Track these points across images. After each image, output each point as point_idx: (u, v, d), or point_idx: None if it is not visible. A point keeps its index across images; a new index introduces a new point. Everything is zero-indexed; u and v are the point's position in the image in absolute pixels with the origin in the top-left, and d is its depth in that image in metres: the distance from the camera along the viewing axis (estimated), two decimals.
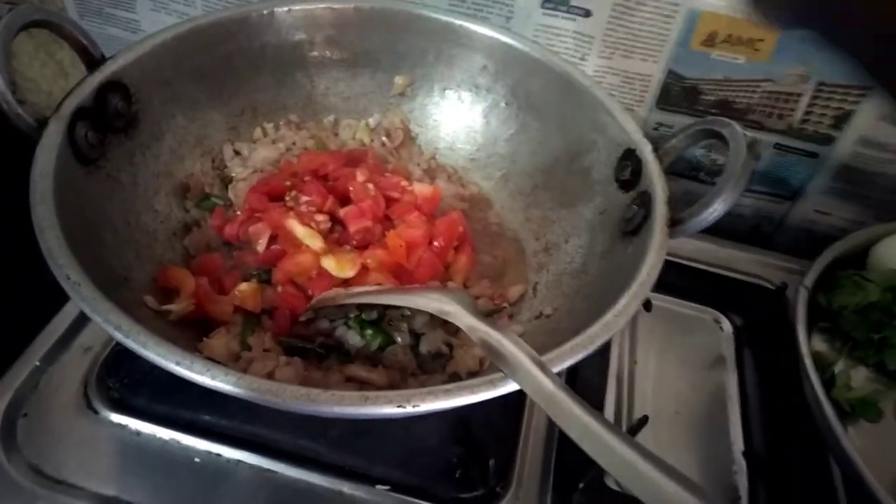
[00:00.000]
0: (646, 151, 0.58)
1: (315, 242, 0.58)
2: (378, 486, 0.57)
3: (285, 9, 0.69)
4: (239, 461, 0.58)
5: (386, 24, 0.72)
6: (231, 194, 0.66)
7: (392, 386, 0.54)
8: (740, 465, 0.64)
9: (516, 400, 0.62)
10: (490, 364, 0.56)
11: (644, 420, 0.61)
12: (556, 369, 0.42)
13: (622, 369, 0.70)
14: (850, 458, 0.55)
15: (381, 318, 0.58)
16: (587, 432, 0.37)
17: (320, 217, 0.60)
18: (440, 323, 0.57)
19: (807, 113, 0.76)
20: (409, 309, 0.56)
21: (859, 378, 0.65)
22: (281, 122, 0.74)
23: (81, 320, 0.66)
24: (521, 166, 0.72)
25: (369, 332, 0.56)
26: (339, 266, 0.57)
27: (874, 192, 0.81)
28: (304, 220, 0.59)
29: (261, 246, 0.60)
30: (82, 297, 0.42)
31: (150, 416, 0.59)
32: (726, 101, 0.77)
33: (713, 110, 0.78)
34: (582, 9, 0.74)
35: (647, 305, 0.72)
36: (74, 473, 0.56)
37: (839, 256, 0.72)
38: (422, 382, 0.55)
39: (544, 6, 0.75)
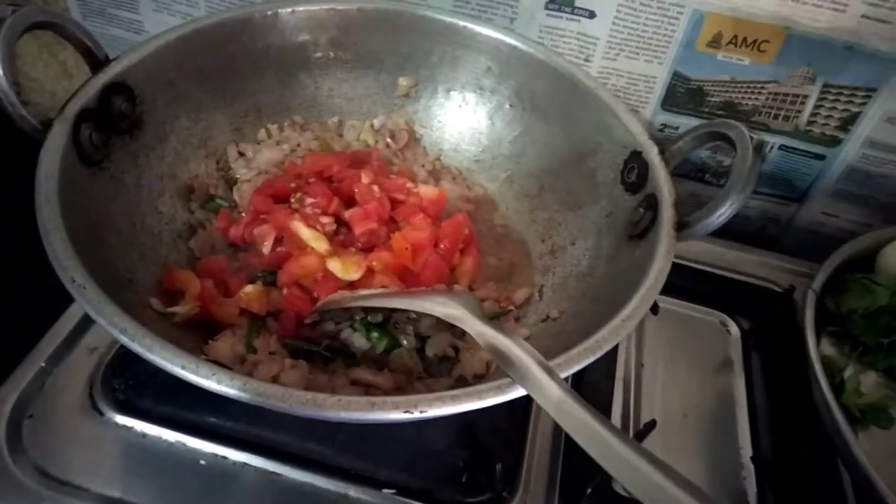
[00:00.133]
0: (652, 154, 0.58)
1: (320, 245, 0.58)
2: (384, 490, 0.57)
3: (289, 10, 0.69)
4: (245, 464, 0.57)
5: (390, 26, 0.72)
6: (236, 196, 0.66)
7: (398, 389, 0.54)
8: (749, 469, 0.63)
9: (523, 404, 0.62)
10: (496, 367, 0.56)
11: (652, 424, 0.61)
12: (563, 375, 0.42)
13: (629, 373, 0.69)
14: (861, 464, 0.54)
15: (387, 321, 0.58)
16: (595, 439, 0.37)
17: (325, 219, 0.60)
18: (446, 326, 0.57)
19: (813, 114, 0.76)
20: (415, 312, 0.56)
21: (869, 383, 0.64)
22: (285, 124, 0.74)
23: (87, 321, 0.65)
24: (526, 168, 0.72)
25: (375, 334, 0.56)
26: (344, 268, 0.57)
27: (881, 194, 0.81)
28: (310, 222, 0.59)
29: (266, 248, 0.59)
30: (87, 299, 0.42)
31: (155, 418, 0.59)
32: (732, 102, 0.77)
33: (719, 112, 0.78)
34: (586, 10, 0.74)
35: (654, 308, 0.72)
36: (80, 475, 0.56)
37: (847, 259, 0.71)
38: (428, 386, 0.55)
39: (548, 7, 0.74)
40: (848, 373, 0.65)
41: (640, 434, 0.61)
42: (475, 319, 0.46)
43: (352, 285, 0.57)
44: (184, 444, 0.58)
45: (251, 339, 0.54)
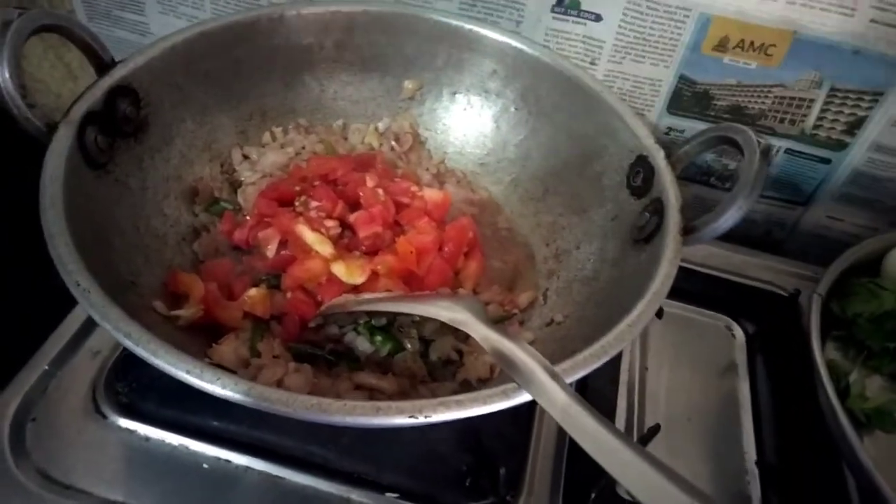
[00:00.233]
0: (658, 158, 0.58)
1: (325, 248, 0.58)
2: (387, 494, 0.56)
3: (294, 12, 0.69)
4: (247, 467, 0.57)
5: (395, 28, 0.72)
6: (240, 199, 0.66)
7: (402, 393, 0.54)
8: (753, 474, 0.63)
9: (526, 408, 0.61)
10: (501, 371, 0.56)
11: (656, 428, 0.60)
12: (569, 380, 0.41)
13: (633, 376, 0.69)
14: (866, 468, 0.54)
15: (391, 324, 0.58)
16: (601, 445, 0.37)
17: (330, 222, 0.60)
18: (450, 329, 0.57)
19: (819, 118, 0.75)
20: (420, 315, 0.56)
21: (874, 387, 0.64)
22: (290, 126, 0.74)
23: (90, 324, 0.65)
24: (531, 171, 0.72)
25: (379, 338, 0.56)
26: (348, 272, 0.57)
27: (887, 198, 0.80)
28: (314, 225, 0.59)
29: (270, 251, 0.59)
30: (92, 303, 0.42)
31: (158, 422, 0.59)
32: (738, 106, 0.77)
33: (725, 115, 0.78)
34: (593, 13, 0.73)
35: (659, 312, 0.71)
36: (83, 478, 0.56)
37: (853, 264, 0.71)
38: (432, 390, 0.55)
39: (554, 10, 0.74)
40: (853, 377, 0.64)
41: (644, 438, 0.60)
42: (479, 323, 0.46)
43: (356, 289, 0.58)
44: (186, 448, 0.58)
45: (255, 342, 0.54)
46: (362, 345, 0.56)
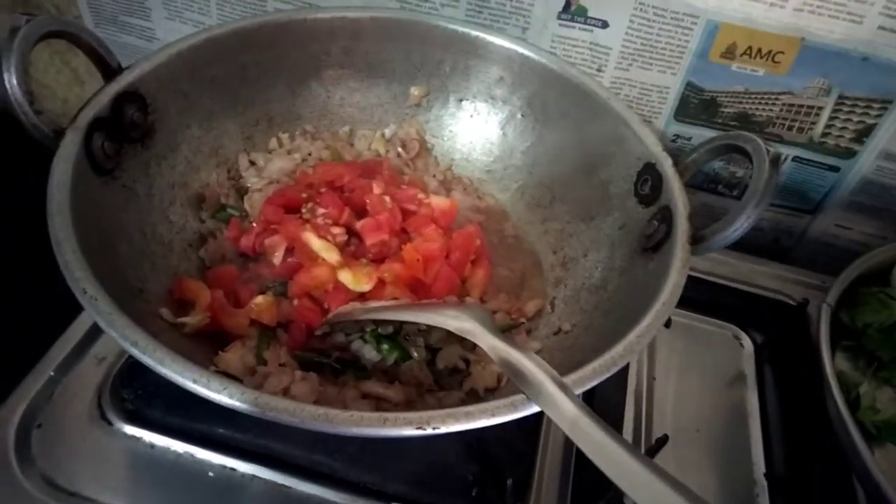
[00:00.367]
0: (666, 165, 0.58)
1: (331, 255, 0.58)
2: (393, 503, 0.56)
3: (301, 18, 0.69)
4: (253, 476, 0.57)
5: (402, 35, 0.72)
6: (247, 205, 0.66)
7: (408, 402, 0.53)
8: (762, 486, 0.62)
9: (534, 417, 0.61)
10: (508, 381, 0.56)
11: (664, 439, 0.60)
12: (577, 392, 0.41)
13: (641, 386, 0.68)
14: (877, 481, 0.54)
15: (398, 332, 0.57)
16: (611, 458, 0.36)
17: (337, 230, 0.60)
18: (457, 338, 0.56)
19: (828, 126, 0.75)
20: (426, 324, 0.56)
21: (884, 399, 0.63)
22: (296, 133, 0.74)
23: (96, 330, 0.65)
24: (538, 178, 0.72)
25: (385, 346, 0.56)
26: (355, 280, 0.57)
27: None
28: (321, 232, 0.59)
29: (277, 258, 0.59)
30: (99, 311, 0.42)
31: (164, 429, 0.58)
32: (746, 113, 0.76)
33: (732, 123, 0.77)
34: (599, 20, 0.73)
35: (667, 322, 0.71)
36: (88, 485, 0.56)
37: (862, 273, 0.70)
38: (439, 400, 0.54)
39: (561, 17, 0.74)
40: (863, 388, 0.64)
41: (652, 449, 0.60)
42: (487, 333, 0.46)
43: (363, 296, 0.57)
44: (192, 456, 0.58)
45: (261, 350, 0.54)
46: (369, 353, 0.56)
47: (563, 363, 0.49)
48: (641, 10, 0.71)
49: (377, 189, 0.63)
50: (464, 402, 0.54)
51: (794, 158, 0.79)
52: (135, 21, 0.88)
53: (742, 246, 0.80)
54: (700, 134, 0.79)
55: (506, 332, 0.60)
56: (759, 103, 0.75)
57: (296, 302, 0.57)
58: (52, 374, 0.62)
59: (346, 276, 0.57)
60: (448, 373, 0.57)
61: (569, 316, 0.61)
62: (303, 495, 0.56)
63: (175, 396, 0.58)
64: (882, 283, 0.71)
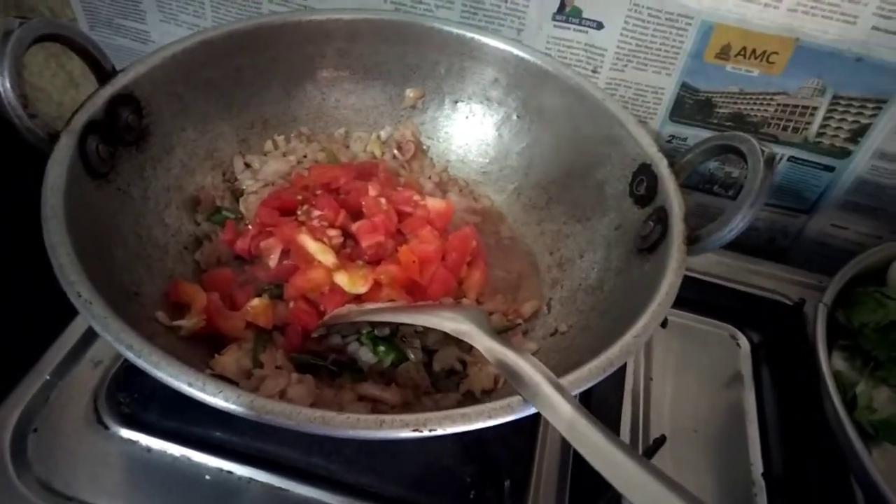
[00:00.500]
0: (661, 166, 0.58)
1: (327, 258, 0.58)
2: None
3: (296, 20, 0.69)
4: (250, 479, 0.57)
5: (397, 37, 0.72)
6: (242, 208, 0.66)
7: (405, 404, 0.53)
8: (760, 486, 0.62)
9: (531, 418, 0.61)
10: (505, 382, 0.56)
11: (662, 440, 0.60)
12: (574, 393, 0.41)
13: (638, 386, 0.68)
14: (875, 481, 0.54)
15: (394, 334, 0.57)
16: (607, 459, 0.36)
17: (332, 232, 0.60)
18: (454, 339, 0.56)
19: (823, 126, 0.75)
20: (423, 326, 0.56)
21: (881, 399, 0.63)
22: (292, 135, 0.73)
23: (92, 334, 0.65)
24: (533, 179, 0.72)
25: (382, 348, 0.56)
26: (351, 282, 0.57)
27: (891, 205, 0.80)
28: (316, 234, 0.59)
29: (272, 261, 0.59)
30: (93, 315, 0.42)
31: (160, 432, 0.58)
32: (741, 113, 0.76)
33: (727, 123, 0.77)
34: (594, 21, 0.73)
35: (663, 322, 0.70)
36: (84, 490, 0.55)
37: (858, 272, 0.70)
38: (436, 401, 0.54)
39: (556, 18, 0.74)
40: (860, 388, 0.64)
41: (649, 450, 0.60)
42: (483, 335, 0.46)
43: (359, 299, 0.57)
44: (189, 459, 0.57)
45: (257, 353, 0.54)
46: (365, 355, 0.56)
47: (560, 364, 0.48)
48: (636, 11, 0.71)
49: (373, 191, 0.63)
50: (461, 404, 0.54)
51: (790, 158, 0.79)
52: (130, 24, 0.88)
53: (738, 246, 0.81)
54: (695, 134, 0.79)
55: (502, 333, 0.60)
56: (754, 104, 0.75)
57: (292, 304, 0.57)
58: (48, 377, 0.62)
59: (341, 279, 0.57)
60: (445, 374, 0.57)
61: (565, 317, 0.61)
62: (300, 498, 0.56)
63: (171, 400, 0.57)
64: (878, 282, 0.71)
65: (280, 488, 0.57)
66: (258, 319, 0.56)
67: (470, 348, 0.57)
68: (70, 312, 0.64)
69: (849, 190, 0.80)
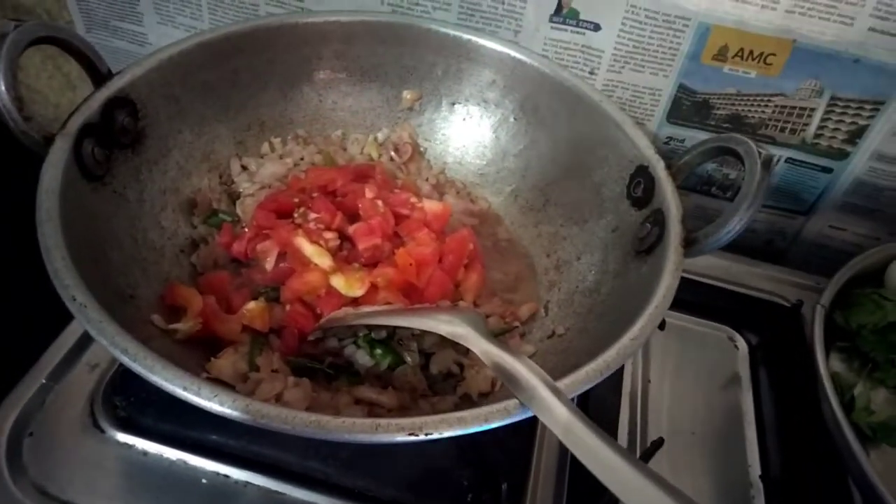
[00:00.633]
0: (658, 168, 0.58)
1: (324, 260, 0.57)
2: None
3: (293, 23, 0.69)
4: (247, 483, 0.57)
5: (394, 39, 0.72)
6: (239, 210, 0.66)
7: (402, 408, 0.53)
8: (758, 488, 0.62)
9: (528, 421, 0.61)
10: (502, 385, 0.55)
11: (660, 442, 0.60)
12: (571, 395, 0.41)
13: (636, 389, 0.68)
14: (873, 483, 0.54)
15: (391, 337, 0.57)
16: (604, 462, 0.36)
17: (329, 234, 0.60)
18: (451, 342, 0.56)
19: (820, 127, 0.75)
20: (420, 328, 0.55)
21: (879, 400, 0.63)
22: (289, 137, 0.73)
23: (88, 337, 0.65)
24: (531, 182, 0.72)
25: (379, 351, 0.56)
26: (347, 284, 0.57)
27: (889, 207, 0.80)
28: (313, 237, 0.59)
29: (269, 264, 0.59)
30: (88, 318, 0.41)
31: (156, 436, 0.58)
32: (738, 115, 0.76)
33: (725, 125, 0.77)
34: (591, 23, 0.73)
35: (661, 324, 0.71)
36: (80, 494, 0.55)
37: (856, 274, 0.70)
38: (432, 404, 0.54)
39: (553, 20, 0.74)
40: (858, 390, 0.64)
41: (647, 452, 0.60)
42: (480, 338, 0.46)
43: (355, 301, 0.57)
44: (185, 463, 0.57)
45: (254, 356, 0.54)
46: (362, 358, 0.55)
47: (558, 367, 0.48)
48: (633, 12, 0.71)
49: (370, 193, 0.63)
50: (458, 407, 0.54)
51: (787, 160, 0.79)
52: (127, 26, 0.88)
53: (736, 247, 0.81)
54: (693, 136, 0.79)
55: (499, 335, 0.60)
56: (752, 105, 0.75)
57: (288, 307, 0.57)
58: (44, 381, 0.62)
59: (338, 281, 0.57)
60: (442, 377, 0.57)
61: (562, 319, 0.61)
62: (297, 501, 0.56)
63: (167, 403, 0.57)
64: (876, 283, 0.71)
65: (277, 492, 0.56)
66: (254, 322, 0.56)
67: (467, 351, 0.57)
68: (67, 315, 0.64)
69: (847, 191, 0.80)
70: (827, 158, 0.78)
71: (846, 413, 0.59)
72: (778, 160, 0.79)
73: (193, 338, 0.54)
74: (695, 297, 0.76)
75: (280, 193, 0.65)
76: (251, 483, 0.57)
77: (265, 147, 0.72)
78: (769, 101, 0.74)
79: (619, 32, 0.73)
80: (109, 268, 0.52)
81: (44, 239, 0.44)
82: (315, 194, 0.64)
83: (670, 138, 0.80)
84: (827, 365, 0.62)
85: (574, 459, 0.60)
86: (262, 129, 0.72)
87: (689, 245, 0.52)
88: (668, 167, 0.57)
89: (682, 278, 0.50)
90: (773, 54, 0.71)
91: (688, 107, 0.77)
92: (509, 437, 0.59)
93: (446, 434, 0.38)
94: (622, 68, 0.76)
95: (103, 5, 0.87)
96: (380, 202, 0.62)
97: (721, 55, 0.72)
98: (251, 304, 0.57)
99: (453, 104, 0.75)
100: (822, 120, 0.74)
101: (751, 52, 0.71)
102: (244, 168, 0.70)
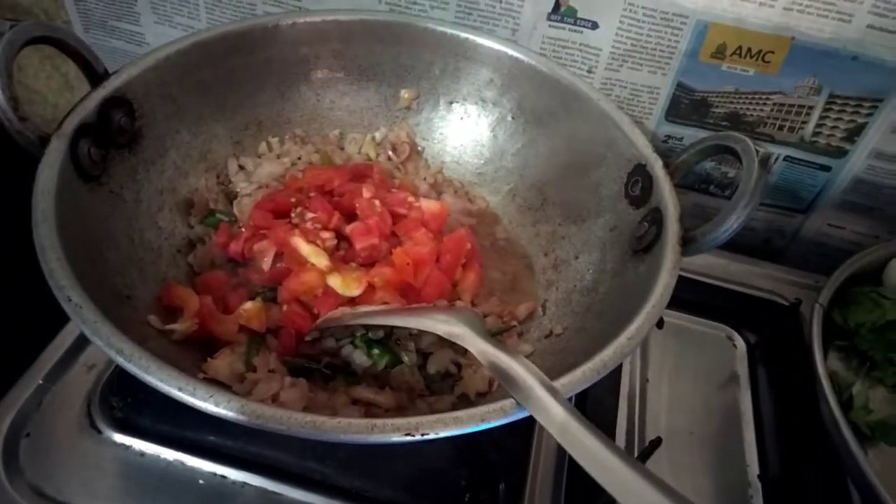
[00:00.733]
0: (656, 167, 0.57)
1: (320, 260, 0.57)
2: None
3: (290, 22, 0.69)
4: (244, 483, 0.57)
5: (392, 38, 0.71)
6: (236, 210, 0.66)
7: (399, 408, 0.53)
8: (756, 488, 0.62)
9: (526, 421, 0.61)
10: (500, 385, 0.55)
11: (658, 442, 0.60)
12: (567, 395, 0.41)
13: (634, 388, 0.68)
14: (871, 482, 0.54)
15: (388, 337, 0.57)
16: (600, 463, 0.36)
17: (326, 234, 0.59)
18: (448, 342, 0.56)
19: (819, 125, 0.75)
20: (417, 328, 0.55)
21: (877, 399, 0.63)
22: (286, 137, 0.73)
23: (85, 338, 0.64)
24: (528, 181, 0.72)
25: (376, 351, 0.56)
26: (344, 284, 0.56)
27: (888, 205, 0.80)
28: (310, 237, 0.59)
29: (266, 264, 0.59)
30: (84, 319, 0.41)
31: (154, 437, 0.58)
32: (736, 113, 0.76)
33: (723, 123, 0.77)
34: (589, 21, 0.73)
35: (659, 323, 0.71)
36: (77, 495, 0.55)
37: (855, 272, 0.70)
38: (430, 404, 0.54)
39: (550, 19, 0.74)
40: (856, 389, 0.64)
41: (645, 452, 0.60)
42: (477, 338, 0.46)
43: (352, 301, 0.57)
44: (182, 463, 0.57)
45: (250, 356, 0.54)
46: (359, 358, 0.55)
47: (555, 366, 0.48)
48: (631, 10, 0.71)
49: (367, 193, 0.63)
50: (455, 407, 0.54)
51: (786, 158, 0.79)
52: (124, 26, 0.88)
53: (734, 246, 0.81)
54: (691, 134, 0.79)
55: (497, 335, 0.60)
56: (750, 103, 0.75)
57: (285, 307, 0.57)
58: (41, 381, 0.61)
59: (335, 281, 0.56)
60: (439, 377, 0.57)
61: (560, 318, 0.61)
62: (294, 502, 0.56)
63: (164, 404, 0.56)
64: (874, 282, 0.71)
65: (274, 492, 0.56)
66: (251, 323, 0.56)
67: (465, 351, 0.56)
68: (64, 316, 0.64)
69: (845, 189, 0.80)
70: (825, 156, 0.78)
71: (844, 412, 0.59)
72: (776, 158, 0.79)
73: (190, 338, 0.54)
74: (693, 296, 0.76)
75: (277, 193, 0.65)
76: (248, 483, 0.57)
77: (262, 147, 0.72)
78: (767, 98, 0.74)
79: (616, 30, 0.73)
80: (106, 268, 0.52)
81: (39, 239, 0.44)
82: (312, 194, 0.63)
83: (669, 136, 0.80)
84: (825, 364, 0.62)
85: (572, 459, 0.60)
86: (260, 128, 0.72)
87: (687, 243, 0.52)
88: (666, 165, 0.57)
89: (680, 277, 0.50)
90: (772, 52, 0.70)
91: (686, 105, 0.77)
92: (507, 436, 0.59)
93: (442, 434, 0.38)
94: (620, 66, 0.75)
95: (101, 5, 0.86)
96: (377, 202, 0.62)
97: (719, 53, 0.72)
98: (248, 305, 0.56)
99: (451, 103, 0.75)
100: (821, 118, 0.74)
101: (749, 50, 0.71)
102: (241, 168, 0.70)
